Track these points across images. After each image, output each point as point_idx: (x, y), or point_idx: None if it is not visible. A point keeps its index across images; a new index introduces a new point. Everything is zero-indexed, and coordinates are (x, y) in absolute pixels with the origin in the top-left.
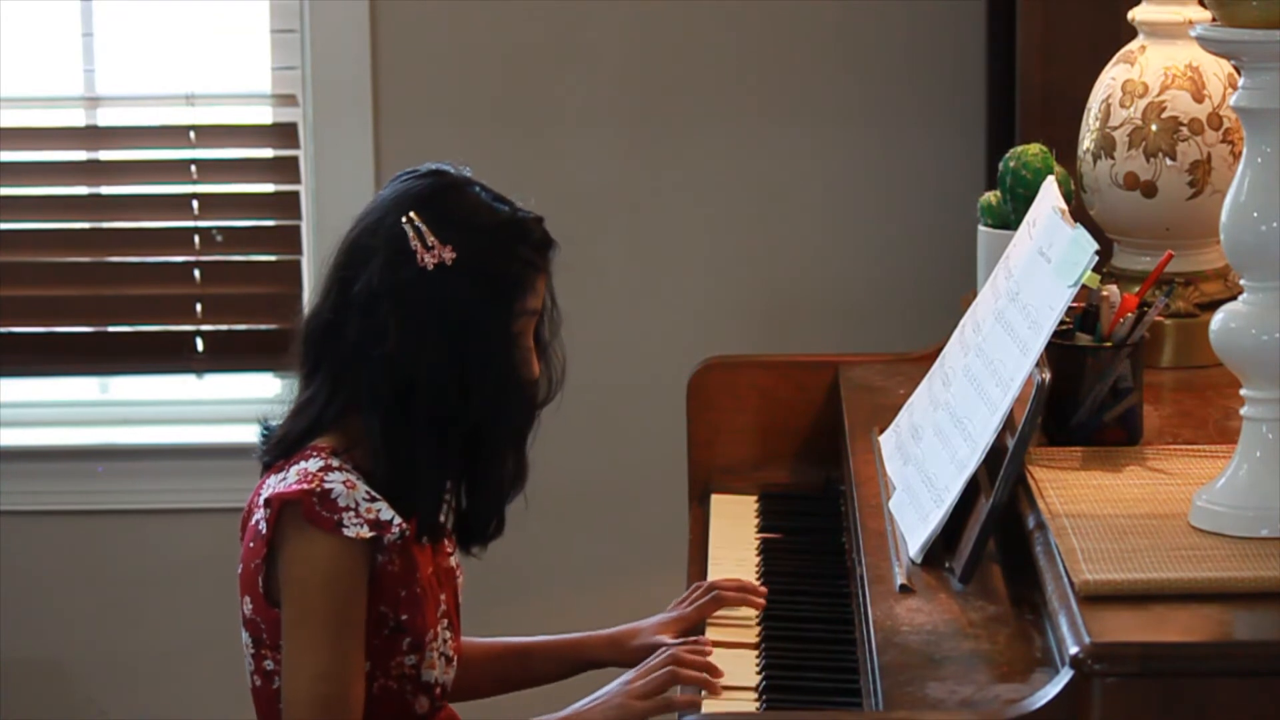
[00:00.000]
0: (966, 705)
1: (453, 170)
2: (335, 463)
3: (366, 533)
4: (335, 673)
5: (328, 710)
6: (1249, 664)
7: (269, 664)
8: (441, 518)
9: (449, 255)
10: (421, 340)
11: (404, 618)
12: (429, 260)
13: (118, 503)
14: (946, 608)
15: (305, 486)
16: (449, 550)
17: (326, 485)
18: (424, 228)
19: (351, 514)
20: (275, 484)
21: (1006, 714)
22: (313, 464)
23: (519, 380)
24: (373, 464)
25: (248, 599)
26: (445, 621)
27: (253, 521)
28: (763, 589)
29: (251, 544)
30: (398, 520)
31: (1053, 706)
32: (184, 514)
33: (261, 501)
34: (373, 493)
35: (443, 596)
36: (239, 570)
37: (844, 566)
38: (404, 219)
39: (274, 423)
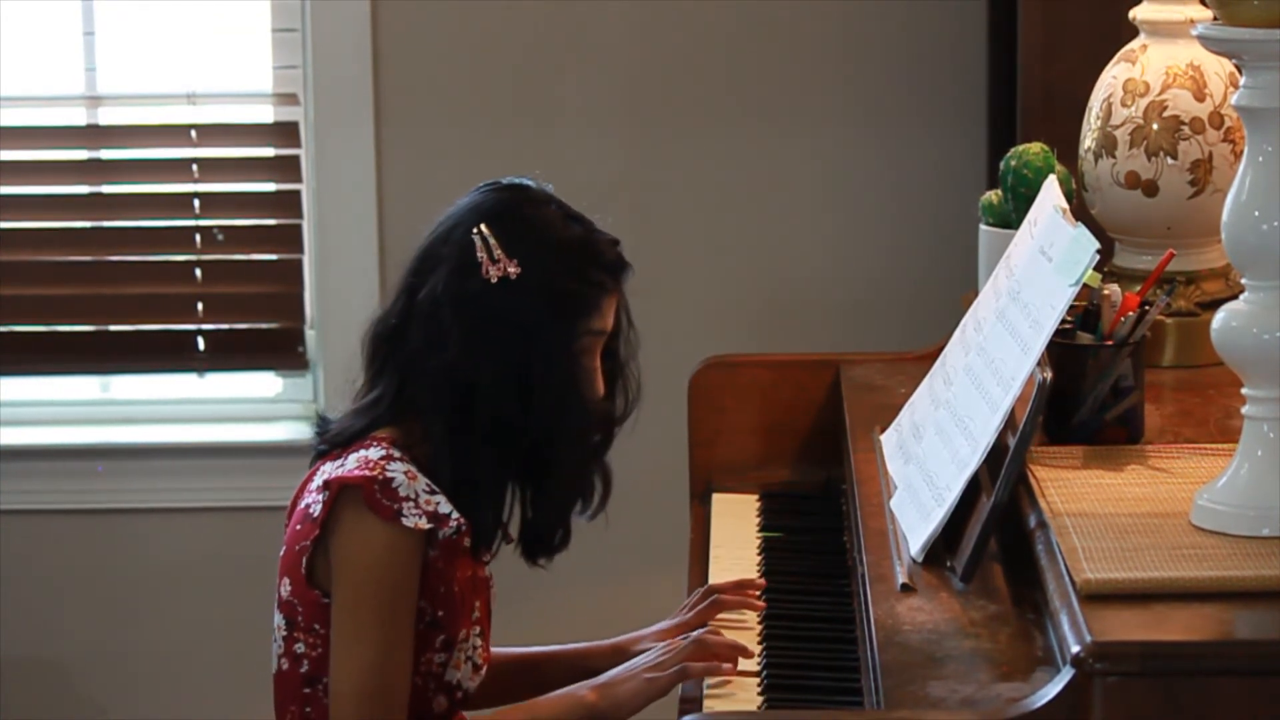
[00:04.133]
0: (968, 704)
1: (533, 185)
2: (396, 453)
3: (424, 524)
4: (383, 663)
5: (375, 701)
6: (1250, 663)
7: (300, 646)
8: (499, 527)
9: (513, 270)
10: (481, 352)
11: (440, 614)
12: (493, 273)
13: (118, 502)
14: (948, 607)
15: (367, 473)
16: (485, 559)
17: (389, 474)
18: (492, 240)
19: (411, 504)
20: (333, 469)
21: (1008, 713)
22: (374, 452)
23: (579, 398)
24: (435, 467)
25: (287, 580)
26: (478, 628)
27: (303, 504)
28: (761, 581)
29: (299, 526)
30: (455, 515)
31: (1054, 705)
32: (184, 514)
33: (319, 484)
34: (433, 485)
35: (476, 603)
36: (280, 553)
37: (845, 565)
38: (474, 230)
39: (331, 417)
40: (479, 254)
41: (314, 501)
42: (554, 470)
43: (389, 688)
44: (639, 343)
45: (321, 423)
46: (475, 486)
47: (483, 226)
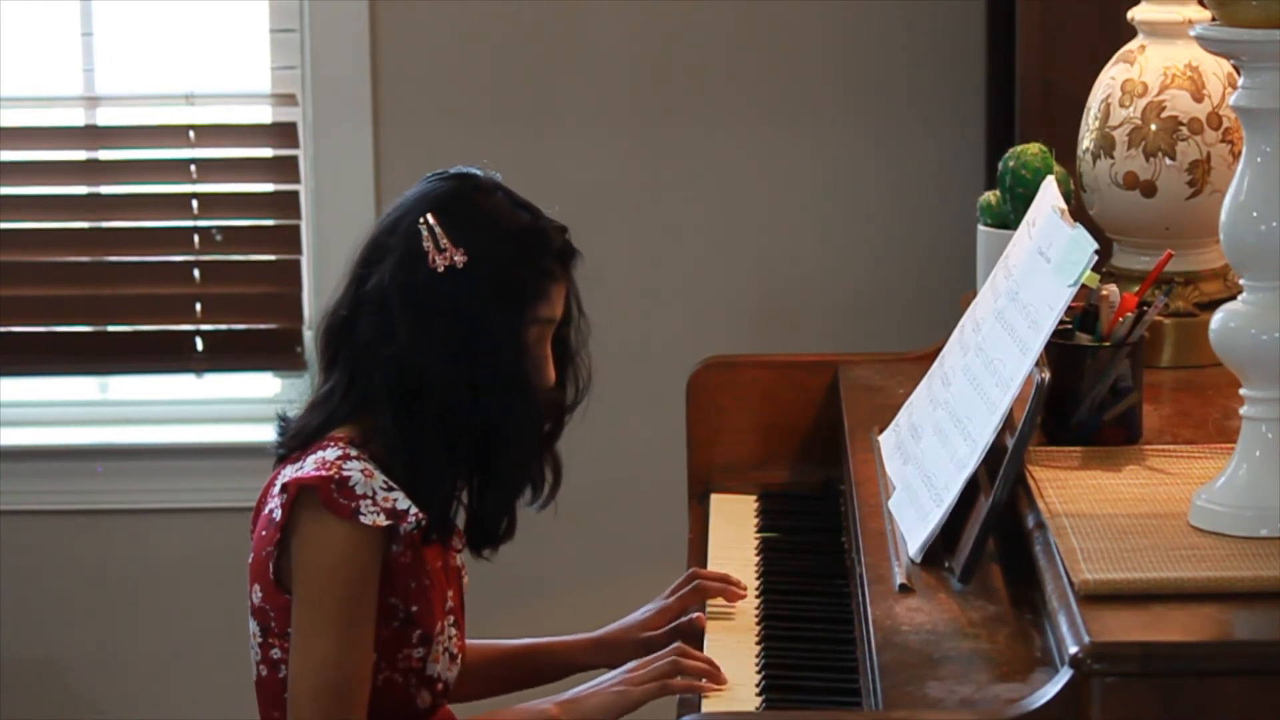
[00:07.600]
0: (966, 705)
1: (480, 174)
2: (353, 452)
3: (383, 521)
4: (342, 660)
5: (333, 697)
6: (1249, 664)
7: (276, 653)
8: (450, 517)
9: (460, 258)
10: (429, 341)
11: (414, 609)
12: (440, 262)
13: (118, 503)
14: (946, 607)
15: (323, 473)
16: (456, 548)
17: (345, 473)
18: (439, 230)
19: (368, 502)
20: (291, 472)
21: (1006, 713)
22: (330, 453)
23: (528, 386)
24: (389, 459)
25: (257, 587)
26: (451, 618)
27: (266, 510)
28: (741, 582)
29: (264, 532)
30: (414, 510)
31: (1052, 706)
32: (184, 514)
33: (278, 488)
34: (390, 482)
35: (449, 593)
36: (249, 560)
37: (844, 566)
38: (420, 220)
39: (291, 415)
40: (425, 243)
41: (275, 506)
42: (502, 459)
43: (348, 682)
44: (589, 330)
45: (282, 422)
46: (429, 477)
47: (429, 216)
